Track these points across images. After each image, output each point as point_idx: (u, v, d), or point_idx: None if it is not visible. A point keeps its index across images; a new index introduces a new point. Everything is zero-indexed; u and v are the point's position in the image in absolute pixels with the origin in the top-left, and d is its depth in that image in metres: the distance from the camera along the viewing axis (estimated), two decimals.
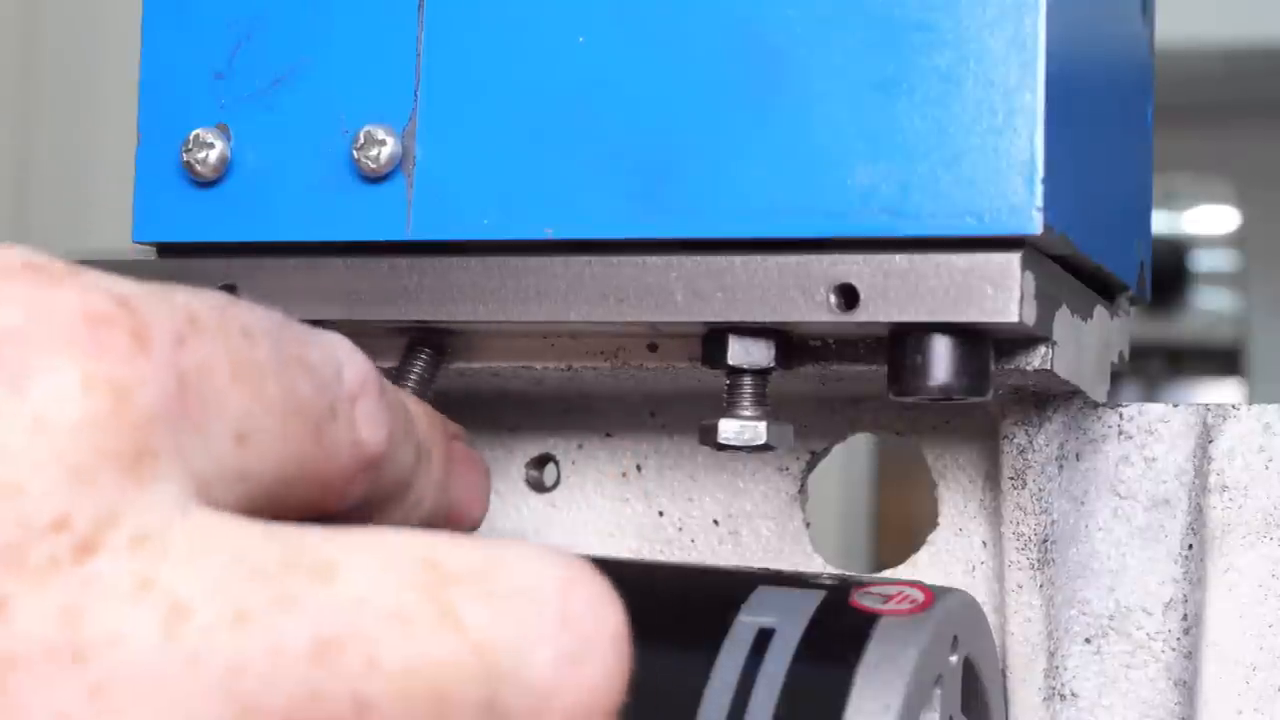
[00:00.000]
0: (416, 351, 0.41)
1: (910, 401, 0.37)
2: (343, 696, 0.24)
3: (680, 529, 0.48)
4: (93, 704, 0.23)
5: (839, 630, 0.34)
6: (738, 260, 0.36)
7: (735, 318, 0.37)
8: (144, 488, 0.25)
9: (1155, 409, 0.43)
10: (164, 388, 0.25)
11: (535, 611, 0.25)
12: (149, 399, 0.25)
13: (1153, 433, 0.42)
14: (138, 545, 0.24)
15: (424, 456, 0.34)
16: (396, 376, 0.41)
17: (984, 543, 0.45)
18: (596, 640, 0.25)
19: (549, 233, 0.38)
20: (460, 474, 0.37)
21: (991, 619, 0.43)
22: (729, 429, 0.38)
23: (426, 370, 0.41)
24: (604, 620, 0.25)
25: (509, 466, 0.49)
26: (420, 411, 0.36)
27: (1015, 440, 0.42)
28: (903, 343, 0.36)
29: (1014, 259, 0.34)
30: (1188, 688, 0.42)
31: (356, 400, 0.30)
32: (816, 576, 0.37)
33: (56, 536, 0.24)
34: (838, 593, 0.35)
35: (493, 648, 0.25)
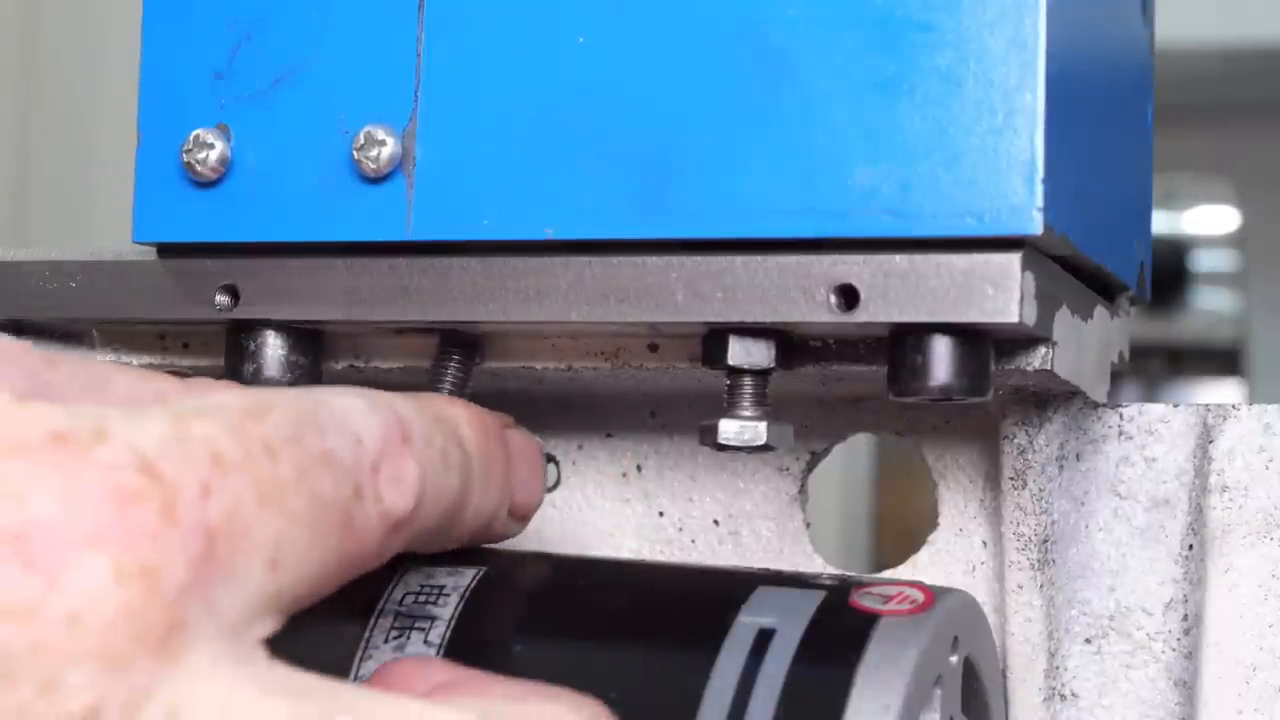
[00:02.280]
0: (448, 354, 0.41)
1: (910, 402, 0.37)
2: None
3: (680, 529, 0.48)
4: None
5: (839, 630, 0.34)
6: (738, 260, 0.36)
7: (735, 318, 0.37)
8: (174, 661, 0.25)
9: (1155, 409, 0.43)
10: (192, 553, 0.26)
11: None
12: (178, 573, 0.26)
13: (1153, 433, 0.42)
14: None
15: (477, 470, 0.35)
16: (430, 381, 0.41)
17: (984, 543, 0.45)
18: None
19: (549, 233, 0.38)
20: (518, 469, 0.37)
21: (991, 619, 0.43)
22: (729, 429, 0.38)
23: (460, 372, 0.41)
24: None
25: None
26: (474, 419, 0.35)
27: (1015, 440, 0.42)
28: (903, 343, 0.36)
29: (1014, 259, 0.34)
30: (1188, 688, 0.42)
31: (379, 467, 0.30)
32: (816, 577, 0.37)
33: None
34: (838, 593, 0.35)
35: None
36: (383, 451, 0.31)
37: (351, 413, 0.31)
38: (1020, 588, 0.43)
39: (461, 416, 0.35)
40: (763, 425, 0.38)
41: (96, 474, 0.25)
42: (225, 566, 0.26)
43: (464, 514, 0.35)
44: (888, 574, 0.45)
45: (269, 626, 0.28)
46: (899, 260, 0.35)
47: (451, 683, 0.31)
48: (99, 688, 0.24)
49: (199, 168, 0.40)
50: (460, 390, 0.41)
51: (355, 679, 0.35)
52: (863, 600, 0.35)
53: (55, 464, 0.25)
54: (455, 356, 0.41)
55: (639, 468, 0.48)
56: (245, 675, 0.26)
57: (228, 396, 0.29)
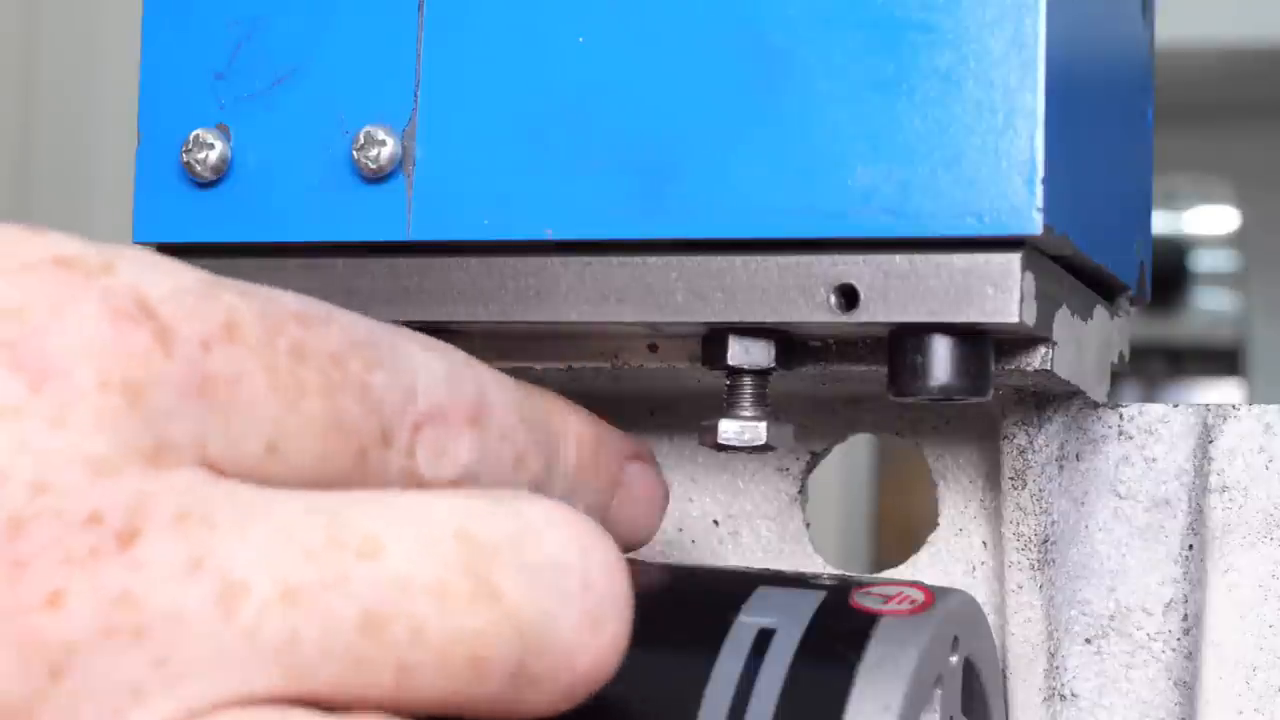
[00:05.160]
0: None
1: (910, 402, 0.37)
2: (388, 664, 0.25)
3: (680, 529, 0.48)
4: (157, 672, 0.24)
5: (839, 631, 0.34)
6: (738, 260, 0.36)
7: (735, 318, 0.37)
8: (171, 473, 0.25)
9: (1155, 409, 0.43)
10: (183, 387, 0.26)
11: (562, 579, 0.27)
12: (167, 397, 0.26)
13: (1153, 433, 0.42)
14: (181, 523, 0.25)
15: (559, 494, 0.33)
16: None
17: (984, 543, 0.45)
18: (611, 604, 0.27)
19: (549, 233, 0.38)
20: (628, 501, 0.36)
21: (991, 619, 0.43)
22: (729, 429, 0.38)
23: None
24: (616, 584, 0.27)
25: None
26: (589, 440, 0.34)
27: (1015, 440, 0.42)
28: (903, 343, 0.36)
29: (1014, 259, 0.34)
30: (1188, 688, 0.42)
31: (423, 427, 0.29)
32: (816, 577, 0.37)
33: (94, 529, 0.24)
34: (838, 593, 0.35)
35: (525, 615, 0.26)
36: (433, 417, 0.29)
37: (423, 371, 0.30)
38: (1020, 588, 0.43)
39: (573, 434, 0.33)
40: (763, 425, 0.38)
41: (93, 295, 0.26)
42: (221, 415, 0.26)
43: None
44: (888, 574, 0.45)
45: None
46: (899, 260, 0.35)
47: None
48: (94, 492, 0.24)
49: (199, 168, 0.40)
50: None
51: None
52: (863, 600, 0.35)
53: (55, 281, 0.26)
54: None
55: None
56: (254, 486, 0.26)
57: (297, 300, 0.28)
